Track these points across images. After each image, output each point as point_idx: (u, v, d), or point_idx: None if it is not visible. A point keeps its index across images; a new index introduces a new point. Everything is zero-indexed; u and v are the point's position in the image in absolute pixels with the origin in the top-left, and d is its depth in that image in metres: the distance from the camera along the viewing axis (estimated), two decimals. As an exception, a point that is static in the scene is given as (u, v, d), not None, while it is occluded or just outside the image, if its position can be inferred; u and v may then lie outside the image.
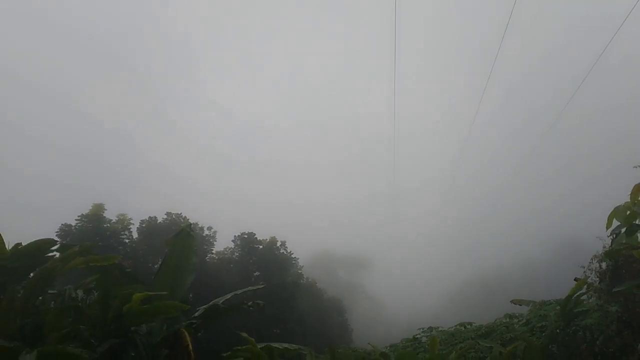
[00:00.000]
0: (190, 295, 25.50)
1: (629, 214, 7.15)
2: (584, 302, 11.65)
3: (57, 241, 8.13)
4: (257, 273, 36.19)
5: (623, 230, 7.32)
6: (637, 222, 7.20)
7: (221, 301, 9.54)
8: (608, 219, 7.46)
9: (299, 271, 40.60)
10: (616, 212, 7.26)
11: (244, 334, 9.76)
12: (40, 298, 7.92)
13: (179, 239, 9.95)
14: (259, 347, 9.72)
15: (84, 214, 30.33)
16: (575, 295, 11.26)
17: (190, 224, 10.87)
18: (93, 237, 27.57)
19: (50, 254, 8.00)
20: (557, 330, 11.58)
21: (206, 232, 35.45)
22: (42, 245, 7.85)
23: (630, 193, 7.26)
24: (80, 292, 8.48)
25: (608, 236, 8.89)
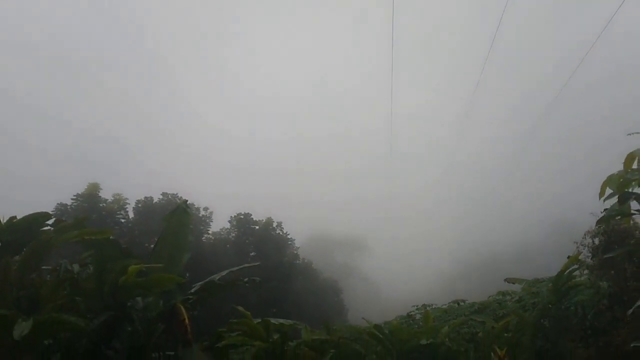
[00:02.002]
0: (187, 275, 25.62)
1: (622, 181, 7.16)
2: (576, 277, 11.80)
3: (51, 215, 8.11)
4: (253, 253, 36.32)
5: (616, 197, 7.36)
6: (629, 190, 7.24)
7: (217, 277, 9.58)
8: (601, 188, 7.48)
9: (295, 252, 40.79)
10: (610, 181, 7.28)
11: (241, 308, 9.87)
12: (34, 275, 7.91)
13: (175, 215, 9.93)
14: (255, 322, 9.84)
15: (79, 193, 30.26)
16: (567, 271, 11.39)
17: (187, 200, 10.83)
18: (89, 217, 27.54)
19: (45, 228, 7.99)
20: (549, 306, 11.75)
21: (202, 212, 35.42)
22: (37, 219, 7.82)
23: (623, 161, 7.29)
24: (76, 266, 8.48)
25: (601, 212, 8.93)
